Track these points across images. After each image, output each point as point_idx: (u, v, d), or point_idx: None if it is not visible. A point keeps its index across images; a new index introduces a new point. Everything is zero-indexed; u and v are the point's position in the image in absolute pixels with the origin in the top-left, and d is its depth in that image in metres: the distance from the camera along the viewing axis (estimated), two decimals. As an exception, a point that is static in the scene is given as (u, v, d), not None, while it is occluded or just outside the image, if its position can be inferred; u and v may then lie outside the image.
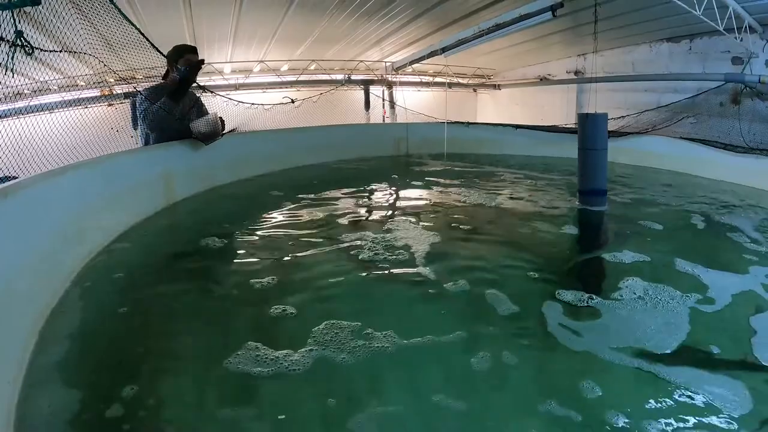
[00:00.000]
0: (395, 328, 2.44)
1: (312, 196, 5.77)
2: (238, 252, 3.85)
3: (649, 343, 2.31)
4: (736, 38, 7.34)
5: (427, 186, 6.61)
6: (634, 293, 2.89)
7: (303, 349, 2.25)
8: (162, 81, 5.28)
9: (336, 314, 2.59)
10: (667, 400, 1.91)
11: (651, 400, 1.90)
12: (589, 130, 5.40)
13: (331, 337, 2.36)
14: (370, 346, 2.30)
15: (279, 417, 1.84)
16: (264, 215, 4.90)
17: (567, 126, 9.21)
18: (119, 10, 4.11)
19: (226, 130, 5.88)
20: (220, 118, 5.61)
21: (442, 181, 6.93)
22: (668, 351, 2.26)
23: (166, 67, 5.19)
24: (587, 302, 2.79)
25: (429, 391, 1.98)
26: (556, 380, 2.08)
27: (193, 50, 5.27)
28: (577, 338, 2.40)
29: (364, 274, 3.31)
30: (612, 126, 7.43)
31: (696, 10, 6.43)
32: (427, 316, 2.69)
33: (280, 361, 2.15)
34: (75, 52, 3.92)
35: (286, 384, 2.03)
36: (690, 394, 1.94)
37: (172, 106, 5.03)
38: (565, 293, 2.90)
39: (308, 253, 3.74)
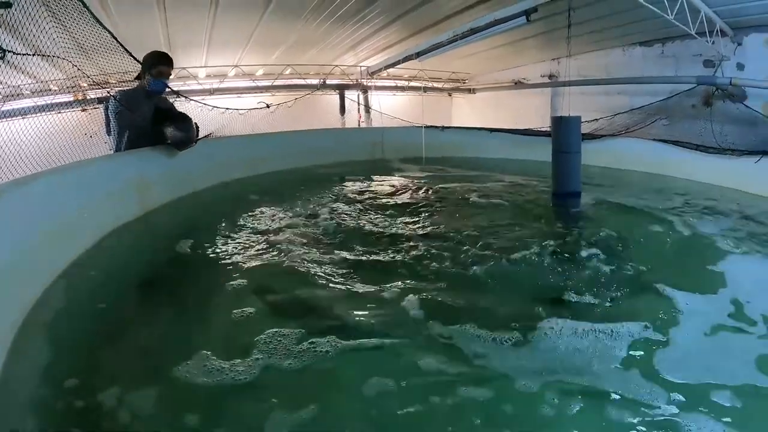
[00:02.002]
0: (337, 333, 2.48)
1: (286, 200, 5.74)
2: (211, 257, 3.79)
3: (570, 373, 2.16)
4: (707, 42, 7.44)
5: (395, 190, 6.67)
6: (577, 318, 2.62)
7: (249, 358, 2.25)
8: (134, 84, 5.18)
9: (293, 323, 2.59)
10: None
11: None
12: (563, 132, 5.42)
13: (275, 345, 2.37)
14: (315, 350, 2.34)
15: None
16: (238, 220, 4.88)
17: (541, 129, 9.25)
18: (92, 14, 4.03)
19: (200, 136, 5.79)
20: (195, 123, 5.52)
21: (412, 184, 7.03)
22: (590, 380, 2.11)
23: (139, 71, 5.10)
24: (512, 331, 2.53)
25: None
26: (468, 406, 1.99)
27: (168, 62, 5.14)
28: (498, 361, 2.28)
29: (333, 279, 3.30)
30: (586, 129, 7.48)
31: (668, 15, 6.49)
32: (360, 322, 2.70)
33: (226, 371, 2.14)
34: (48, 56, 3.84)
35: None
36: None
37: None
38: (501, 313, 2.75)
39: (280, 255, 3.76)
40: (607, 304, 2.89)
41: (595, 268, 3.46)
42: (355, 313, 2.81)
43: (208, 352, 2.26)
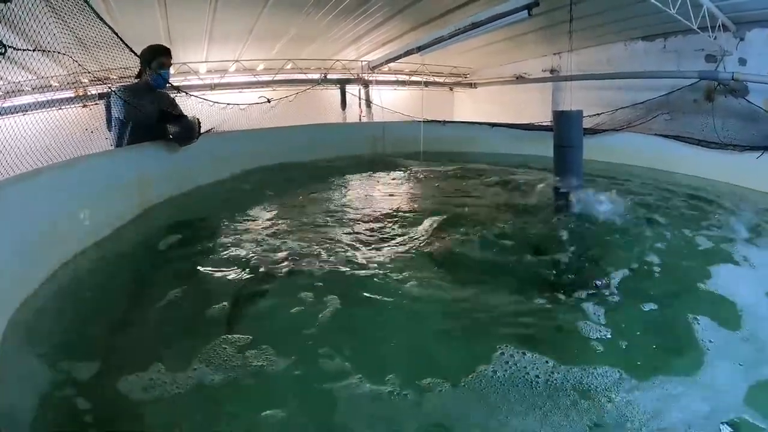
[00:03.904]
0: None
1: (286, 196, 5.77)
2: (206, 256, 3.79)
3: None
4: (710, 36, 7.41)
5: (393, 187, 6.66)
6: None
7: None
8: (136, 80, 5.17)
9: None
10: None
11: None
12: (564, 127, 5.40)
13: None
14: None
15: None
16: (237, 216, 4.88)
17: (543, 124, 9.23)
18: (92, 9, 4.02)
19: (202, 131, 5.79)
20: (198, 119, 5.52)
21: (408, 182, 7.07)
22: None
23: (139, 67, 5.09)
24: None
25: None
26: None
27: (167, 53, 5.14)
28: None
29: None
30: (587, 124, 7.46)
31: (670, 9, 6.46)
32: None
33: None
34: (49, 51, 3.83)
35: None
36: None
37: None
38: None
39: (275, 258, 3.72)
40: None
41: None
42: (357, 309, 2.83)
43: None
